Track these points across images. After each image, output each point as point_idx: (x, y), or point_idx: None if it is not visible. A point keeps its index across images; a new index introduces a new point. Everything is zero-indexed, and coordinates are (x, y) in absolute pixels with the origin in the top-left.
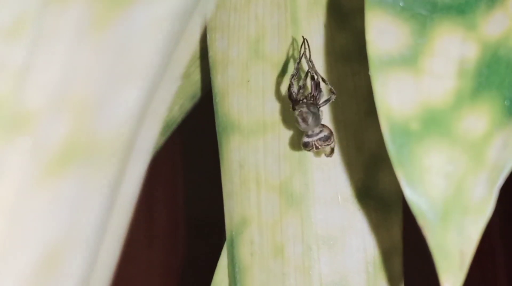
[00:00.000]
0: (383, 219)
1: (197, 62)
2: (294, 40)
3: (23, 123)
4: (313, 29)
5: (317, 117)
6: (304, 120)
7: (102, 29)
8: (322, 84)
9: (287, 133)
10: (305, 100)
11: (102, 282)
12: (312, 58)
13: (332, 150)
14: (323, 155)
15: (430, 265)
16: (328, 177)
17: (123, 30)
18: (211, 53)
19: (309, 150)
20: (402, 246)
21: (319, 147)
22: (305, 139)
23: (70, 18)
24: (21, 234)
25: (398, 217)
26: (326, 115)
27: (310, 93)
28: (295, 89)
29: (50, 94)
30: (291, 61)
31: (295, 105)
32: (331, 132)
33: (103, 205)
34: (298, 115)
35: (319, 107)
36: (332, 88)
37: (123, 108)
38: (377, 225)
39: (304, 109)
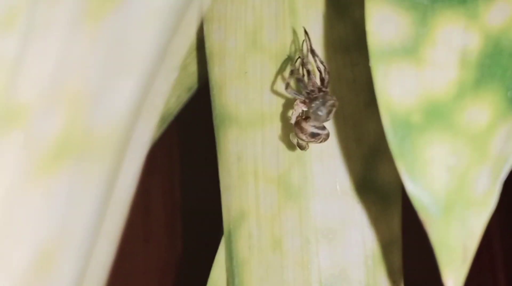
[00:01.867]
0: (382, 212)
1: (194, 53)
2: (293, 31)
3: (16, 117)
4: (312, 19)
5: (329, 111)
6: (330, 112)
7: (97, 19)
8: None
9: (286, 125)
10: (319, 93)
11: (97, 281)
12: (312, 46)
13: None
14: (322, 147)
15: (430, 258)
16: (327, 169)
17: (118, 20)
18: (208, 45)
19: (313, 142)
20: (402, 239)
21: (323, 141)
22: (314, 130)
23: (64, 8)
24: (14, 232)
25: (398, 209)
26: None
27: (322, 85)
28: (310, 76)
29: (44, 87)
30: (290, 52)
31: (312, 94)
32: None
33: (98, 202)
34: (328, 105)
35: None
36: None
37: (119, 101)
38: (377, 218)
39: (336, 102)
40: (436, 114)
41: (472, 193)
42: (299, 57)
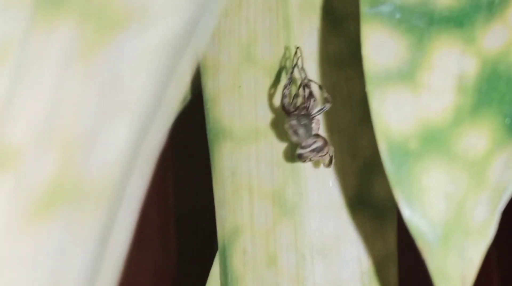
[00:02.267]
0: (378, 228)
1: (186, 84)
2: (286, 48)
3: (7, 160)
4: (306, 34)
5: (308, 128)
6: (295, 132)
7: (91, 57)
8: (317, 92)
9: (280, 140)
10: (296, 112)
11: None
12: (305, 63)
13: (330, 160)
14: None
15: (425, 274)
16: (322, 184)
17: (112, 58)
18: (201, 58)
19: (304, 162)
20: (397, 255)
21: (313, 158)
22: (299, 151)
23: (56, 45)
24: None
25: (393, 225)
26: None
27: (302, 104)
28: (287, 100)
29: (35, 129)
30: (284, 67)
31: (287, 117)
32: (325, 142)
33: (91, 254)
34: (288, 127)
35: (313, 117)
36: (328, 96)
37: (113, 145)
38: (372, 234)
39: (294, 122)
40: (433, 141)
41: (470, 222)
42: (290, 75)
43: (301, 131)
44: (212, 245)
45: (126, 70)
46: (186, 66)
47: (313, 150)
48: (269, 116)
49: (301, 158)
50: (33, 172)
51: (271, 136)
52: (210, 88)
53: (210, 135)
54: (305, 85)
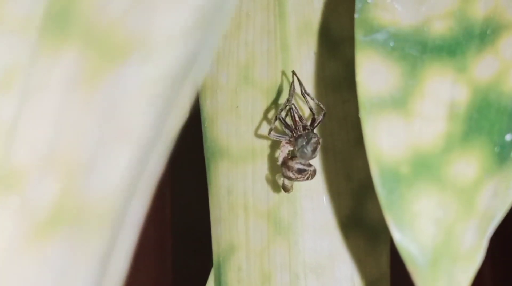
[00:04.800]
0: (371, 248)
1: (186, 114)
2: (283, 72)
3: (12, 182)
4: (303, 57)
5: (315, 148)
6: (315, 149)
7: (93, 84)
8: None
9: (277, 160)
10: (311, 128)
11: None
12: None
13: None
14: (312, 183)
15: None
16: (317, 205)
17: (114, 87)
18: None
19: (297, 179)
20: (390, 275)
21: (311, 178)
22: (300, 166)
23: (60, 72)
24: None
25: (386, 245)
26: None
27: (311, 124)
28: (293, 116)
29: (39, 152)
30: (281, 89)
31: (297, 132)
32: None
33: (93, 275)
34: (312, 143)
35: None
36: (321, 105)
37: (114, 171)
38: (365, 254)
39: (320, 139)
40: (424, 167)
41: (459, 248)
42: (288, 98)
43: (318, 149)
44: (208, 261)
45: (127, 98)
46: (186, 94)
47: (314, 171)
48: (265, 137)
49: (301, 173)
50: (36, 194)
51: (267, 156)
52: (208, 107)
53: (207, 154)
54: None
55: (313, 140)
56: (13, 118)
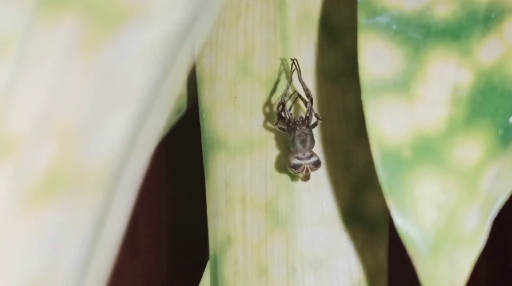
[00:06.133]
0: (369, 241)
1: (184, 76)
2: (283, 60)
3: (6, 148)
4: (303, 47)
5: (313, 139)
6: (303, 141)
7: (92, 51)
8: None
9: (275, 152)
10: (300, 121)
11: None
12: (302, 76)
13: (309, 175)
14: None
15: None
16: (315, 197)
17: (113, 53)
18: (198, 68)
19: (297, 173)
20: (388, 268)
21: (310, 170)
22: (295, 161)
23: (58, 39)
24: (1, 265)
25: (385, 239)
26: (315, 134)
27: (305, 115)
28: (287, 108)
29: (36, 118)
30: (280, 79)
31: (290, 126)
32: (319, 158)
33: (87, 238)
34: (298, 135)
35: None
36: (317, 114)
37: (111, 136)
38: (363, 247)
39: (306, 130)
40: (427, 150)
41: (461, 232)
42: (286, 88)
43: (309, 141)
44: (204, 257)
45: (127, 63)
46: (185, 58)
47: (312, 163)
48: (264, 128)
49: (297, 168)
50: (32, 159)
51: (265, 148)
52: (206, 98)
53: (204, 146)
54: (307, 96)
55: (298, 132)
56: (9, 85)
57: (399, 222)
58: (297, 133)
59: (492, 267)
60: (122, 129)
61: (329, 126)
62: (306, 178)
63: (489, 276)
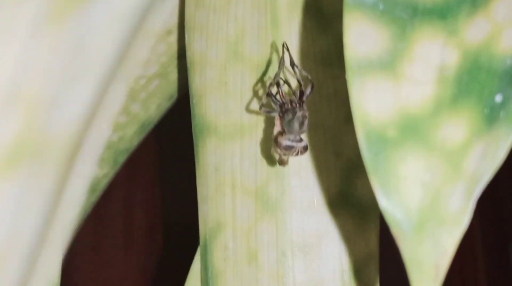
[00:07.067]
0: (360, 227)
1: (175, 62)
2: (273, 43)
3: None
4: (294, 32)
5: (308, 122)
6: (302, 123)
7: (60, 23)
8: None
9: (265, 138)
10: (298, 104)
11: None
12: (293, 61)
13: (287, 160)
14: (300, 160)
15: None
16: (305, 183)
17: (81, 25)
18: (189, 54)
19: (286, 155)
20: (378, 254)
21: (300, 154)
22: (288, 143)
23: (26, 10)
24: None
25: (375, 224)
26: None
27: (302, 98)
28: (281, 91)
29: (2, 89)
30: (271, 64)
31: (283, 107)
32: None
33: (47, 205)
34: (297, 117)
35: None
36: (309, 76)
37: (75, 105)
38: (354, 233)
39: (306, 113)
40: (412, 130)
41: (445, 211)
42: (277, 71)
43: (306, 123)
44: (196, 240)
45: (93, 35)
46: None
47: (304, 147)
48: (254, 113)
49: (289, 149)
50: None
51: (255, 133)
52: (196, 84)
53: (195, 131)
54: (299, 81)
55: (299, 113)
56: None
57: (383, 201)
58: (298, 114)
59: (492, 267)
60: (86, 97)
61: (320, 110)
62: (284, 162)
63: (489, 276)
